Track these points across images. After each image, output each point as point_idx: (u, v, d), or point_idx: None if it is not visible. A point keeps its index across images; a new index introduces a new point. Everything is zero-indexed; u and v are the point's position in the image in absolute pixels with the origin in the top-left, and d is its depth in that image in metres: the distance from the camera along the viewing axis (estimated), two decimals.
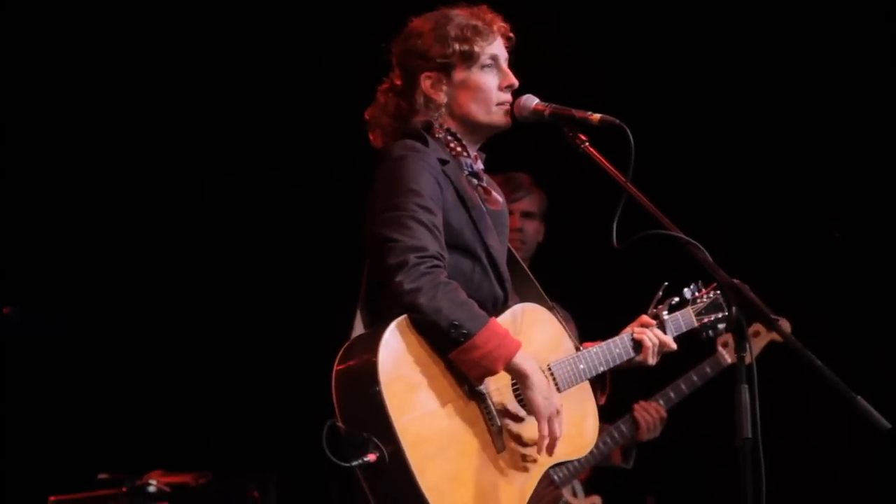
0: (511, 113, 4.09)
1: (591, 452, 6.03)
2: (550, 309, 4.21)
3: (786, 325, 5.64)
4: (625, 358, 4.19)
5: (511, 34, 4.15)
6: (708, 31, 7.13)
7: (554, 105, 4.03)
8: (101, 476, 6.62)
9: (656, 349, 4.21)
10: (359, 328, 3.94)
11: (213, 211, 7.50)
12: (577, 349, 4.14)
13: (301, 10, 7.38)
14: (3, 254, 7.14)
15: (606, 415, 5.94)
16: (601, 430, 6.14)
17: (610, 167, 3.88)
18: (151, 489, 6.58)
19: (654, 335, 4.21)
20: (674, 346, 4.26)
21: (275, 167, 7.49)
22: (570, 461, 6.00)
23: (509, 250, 4.24)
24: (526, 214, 6.29)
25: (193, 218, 7.53)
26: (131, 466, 6.67)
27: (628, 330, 4.24)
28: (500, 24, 4.12)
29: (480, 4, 4.13)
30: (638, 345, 4.20)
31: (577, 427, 4.08)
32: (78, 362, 7.39)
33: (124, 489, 6.55)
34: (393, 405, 3.70)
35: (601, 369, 4.13)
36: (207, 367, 7.40)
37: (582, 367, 4.09)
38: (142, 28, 7.31)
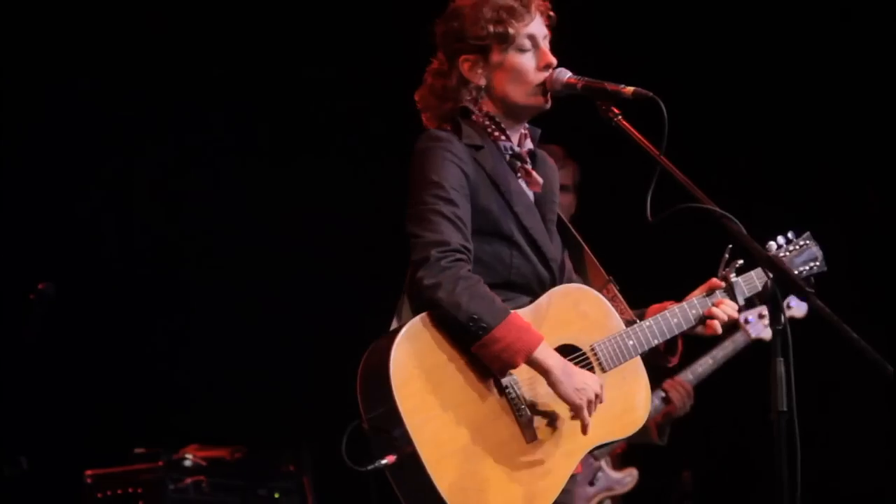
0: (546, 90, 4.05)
1: None
2: (606, 283, 4.16)
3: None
4: (684, 328, 4.12)
5: (551, 12, 4.10)
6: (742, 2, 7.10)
7: (587, 78, 4.00)
8: (138, 451, 6.66)
9: (723, 319, 4.13)
10: (402, 317, 3.92)
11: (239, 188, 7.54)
12: (630, 323, 4.08)
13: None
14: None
15: None
16: None
17: (643, 140, 3.86)
18: (188, 463, 6.61)
19: (722, 309, 4.13)
20: (736, 315, 4.17)
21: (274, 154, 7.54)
22: None
23: (563, 224, 4.22)
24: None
25: (214, 192, 7.57)
26: (168, 441, 6.71)
27: (695, 295, 4.17)
28: (538, 3, 4.06)
29: None
30: (703, 314, 4.13)
31: (624, 404, 4.03)
32: (114, 337, 7.43)
33: (160, 463, 6.59)
34: (406, 406, 3.70)
35: (655, 342, 4.08)
36: (243, 342, 7.43)
37: (631, 342, 4.04)
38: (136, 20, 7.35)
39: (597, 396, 3.85)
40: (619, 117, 3.93)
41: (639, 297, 4.22)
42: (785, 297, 3.62)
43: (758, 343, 6.20)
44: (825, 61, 7.02)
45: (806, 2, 7.03)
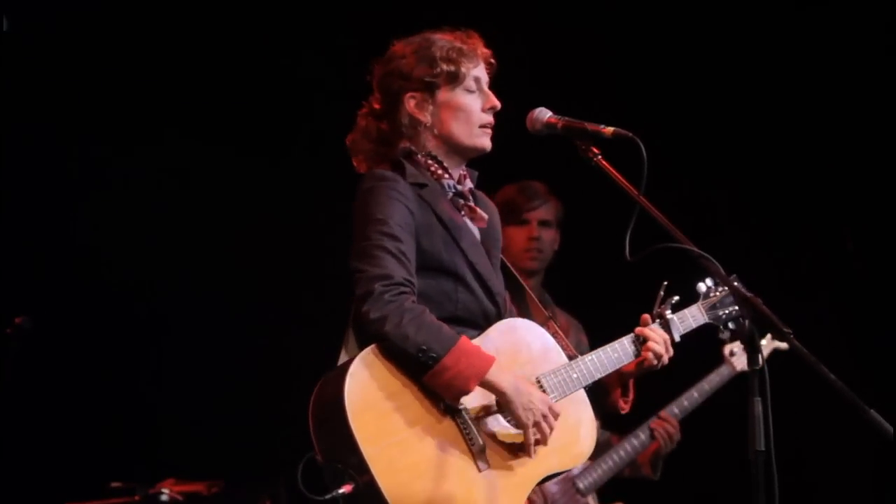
0: (492, 136, 4.14)
1: (612, 461, 6.11)
2: (546, 320, 4.24)
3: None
4: (624, 362, 4.19)
5: (493, 60, 4.20)
6: (720, 42, 7.13)
7: (567, 118, 4.05)
8: (114, 485, 6.62)
9: (658, 350, 4.20)
10: (348, 351, 3.96)
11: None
12: (572, 358, 4.13)
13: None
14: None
15: (623, 422, 5.95)
16: (621, 440, 6.17)
17: (622, 180, 3.88)
18: (164, 498, 6.58)
19: (656, 335, 4.21)
20: (668, 341, 4.23)
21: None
22: (595, 469, 6.05)
23: (504, 263, 4.27)
24: (543, 223, 6.30)
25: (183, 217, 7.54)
26: (144, 475, 6.68)
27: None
28: (482, 50, 4.17)
29: (463, 29, 4.19)
30: (639, 347, 4.20)
31: (570, 436, 4.07)
32: (90, 371, 7.40)
33: (137, 498, 6.55)
34: (362, 436, 3.73)
35: (598, 376, 4.14)
36: (219, 375, 7.40)
37: (575, 375, 4.09)
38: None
39: (545, 417, 3.89)
40: (599, 157, 3.96)
41: (618, 333, 4.26)
42: (762, 337, 3.64)
43: (742, 376, 6.20)
44: (802, 105, 7.05)
45: (782, 41, 7.06)
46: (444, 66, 4.07)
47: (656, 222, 3.81)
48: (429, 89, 4.09)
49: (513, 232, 6.23)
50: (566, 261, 6.45)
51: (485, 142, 4.13)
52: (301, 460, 3.81)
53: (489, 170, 4.37)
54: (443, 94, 4.09)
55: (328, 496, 3.74)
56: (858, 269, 6.97)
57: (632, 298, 4.41)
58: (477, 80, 4.12)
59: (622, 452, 6.17)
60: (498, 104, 4.14)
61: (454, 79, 4.09)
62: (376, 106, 4.16)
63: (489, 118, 4.13)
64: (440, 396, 3.84)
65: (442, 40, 4.13)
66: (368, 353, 3.81)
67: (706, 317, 4.37)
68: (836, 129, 7.01)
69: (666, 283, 4.25)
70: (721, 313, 4.39)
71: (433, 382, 3.80)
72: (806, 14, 7.05)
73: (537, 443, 3.90)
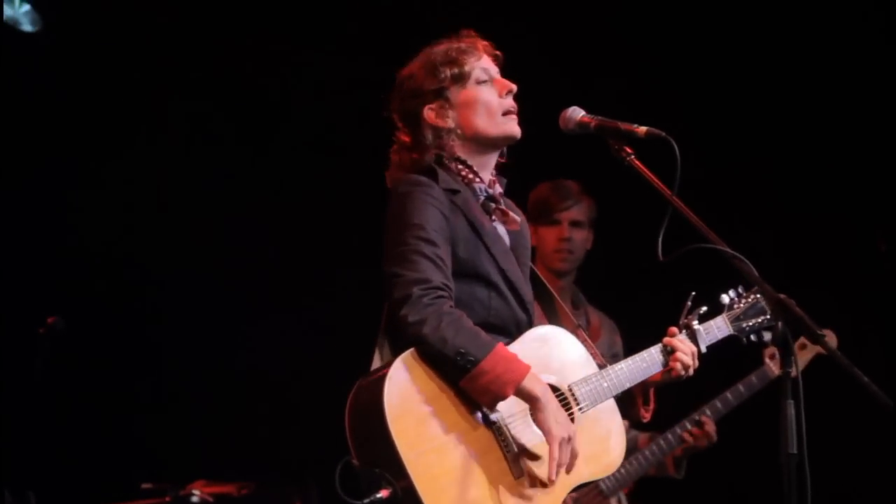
0: (519, 122, 4.14)
1: (638, 462, 6.10)
2: (576, 328, 4.23)
3: (832, 337, 5.62)
4: (653, 371, 4.19)
5: (497, 52, 4.21)
6: (758, 43, 7.11)
7: (600, 117, 4.04)
8: (145, 486, 6.63)
9: (686, 360, 4.20)
10: (382, 356, 3.96)
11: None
12: (602, 367, 4.14)
13: None
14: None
15: (657, 422, 5.95)
16: (650, 439, 6.15)
17: (656, 180, 3.87)
18: (195, 499, 6.58)
19: (685, 346, 4.21)
20: (695, 351, 4.24)
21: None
22: (619, 470, 6.03)
23: (533, 271, 4.27)
24: (574, 223, 6.28)
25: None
26: (175, 477, 6.69)
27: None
28: (483, 44, 4.19)
29: (457, 32, 4.21)
30: (668, 357, 4.20)
31: (601, 446, 4.08)
32: (122, 371, 7.42)
33: (168, 499, 6.56)
34: (401, 440, 3.72)
35: (627, 385, 4.14)
36: (251, 377, 7.42)
37: (606, 384, 4.09)
38: None
39: (569, 439, 3.86)
40: (632, 157, 3.95)
41: (650, 333, 4.25)
42: (796, 339, 3.62)
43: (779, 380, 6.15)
44: (836, 107, 7.03)
45: (822, 42, 7.04)
46: (448, 69, 4.09)
47: (689, 222, 3.79)
48: (442, 95, 4.10)
49: (544, 232, 6.23)
50: (601, 259, 6.43)
51: (513, 127, 4.13)
52: (336, 463, 3.80)
53: (523, 168, 4.36)
54: (456, 95, 4.10)
55: (366, 501, 3.72)
56: (892, 270, 6.94)
57: (665, 298, 4.40)
58: (485, 70, 4.13)
59: (648, 454, 6.16)
60: (513, 86, 4.14)
61: (461, 77, 4.10)
62: (405, 139, 4.17)
63: (510, 102, 4.12)
64: (476, 402, 3.83)
65: (439, 48, 4.15)
66: (408, 356, 3.80)
67: (731, 328, 4.39)
68: (870, 131, 6.98)
69: (693, 293, 4.24)
70: (745, 325, 4.40)
71: (470, 386, 3.79)
72: (846, 16, 7.03)
73: (560, 460, 3.86)
